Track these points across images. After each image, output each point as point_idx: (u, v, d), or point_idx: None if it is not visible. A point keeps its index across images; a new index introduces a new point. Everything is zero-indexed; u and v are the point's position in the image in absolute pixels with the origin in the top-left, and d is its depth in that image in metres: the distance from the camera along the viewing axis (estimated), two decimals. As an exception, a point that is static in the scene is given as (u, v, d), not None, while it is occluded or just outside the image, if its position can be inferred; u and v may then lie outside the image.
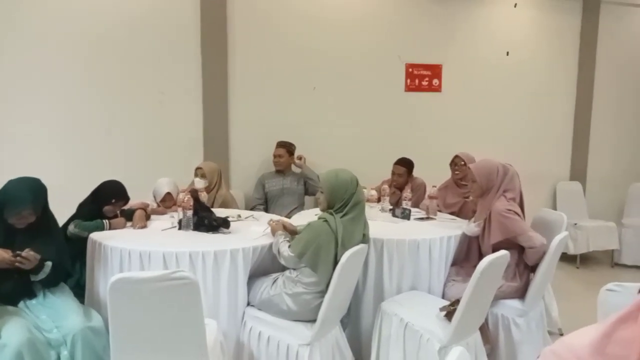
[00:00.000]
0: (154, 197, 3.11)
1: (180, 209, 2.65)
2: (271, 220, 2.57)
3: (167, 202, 3.02)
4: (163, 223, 2.73)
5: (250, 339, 2.29)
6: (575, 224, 4.54)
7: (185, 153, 3.87)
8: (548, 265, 2.57)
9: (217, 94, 3.89)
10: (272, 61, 4.03)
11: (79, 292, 2.39)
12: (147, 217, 2.76)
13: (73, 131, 3.63)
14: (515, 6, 4.60)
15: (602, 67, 4.99)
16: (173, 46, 3.78)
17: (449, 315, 2.22)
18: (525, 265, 2.64)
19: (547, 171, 4.98)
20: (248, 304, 2.38)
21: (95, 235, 2.42)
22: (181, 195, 2.69)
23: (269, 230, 2.49)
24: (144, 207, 2.80)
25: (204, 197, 2.84)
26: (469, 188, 2.94)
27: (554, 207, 4.79)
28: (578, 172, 5.12)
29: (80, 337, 1.93)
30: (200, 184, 3.26)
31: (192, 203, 2.62)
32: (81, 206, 2.62)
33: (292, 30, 4.06)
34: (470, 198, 3.14)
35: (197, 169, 3.36)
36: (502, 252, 2.18)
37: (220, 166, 3.55)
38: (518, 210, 2.62)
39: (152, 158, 3.79)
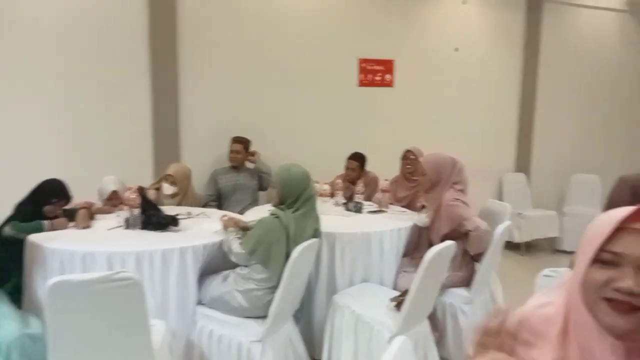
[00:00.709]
0: (100, 195, 2.99)
1: (127, 208, 2.57)
2: (223, 216, 2.54)
3: (114, 201, 2.92)
4: (109, 222, 2.63)
5: (201, 338, 2.26)
6: (520, 213, 4.76)
7: (133, 149, 3.75)
8: (492, 254, 2.68)
9: (167, 88, 3.79)
10: (225, 55, 3.96)
11: (18, 297, 2.27)
12: (92, 217, 2.66)
13: (11, 127, 3.43)
14: (463, 3, 4.73)
15: (546, 63, 5.22)
16: (119, 38, 3.64)
17: (399, 305, 2.27)
18: (470, 255, 2.73)
19: (494, 163, 5.18)
20: (199, 303, 2.34)
21: (33, 237, 2.29)
22: (127, 193, 2.60)
23: (220, 227, 2.45)
24: (88, 206, 2.69)
25: (152, 194, 2.76)
26: (420, 181, 3.01)
27: (501, 198, 4.99)
28: (522, 164, 5.36)
29: (16, 345, 1.83)
30: (169, 190, 3.19)
31: (139, 201, 2.54)
32: (19, 206, 2.48)
33: (245, 25, 4.00)
34: (421, 192, 3.22)
35: (167, 175, 3.29)
36: (449, 242, 2.25)
37: (171, 162, 3.47)
38: (465, 199, 2.71)
39: (97, 155, 3.64)
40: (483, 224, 2.62)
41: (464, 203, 2.67)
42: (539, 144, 5.38)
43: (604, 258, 0.80)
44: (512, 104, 5.23)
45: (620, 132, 5.74)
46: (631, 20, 5.53)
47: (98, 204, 2.92)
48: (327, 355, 2.48)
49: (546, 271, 1.89)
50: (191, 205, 3.28)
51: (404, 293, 2.29)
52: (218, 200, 3.73)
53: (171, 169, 3.33)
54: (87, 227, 2.52)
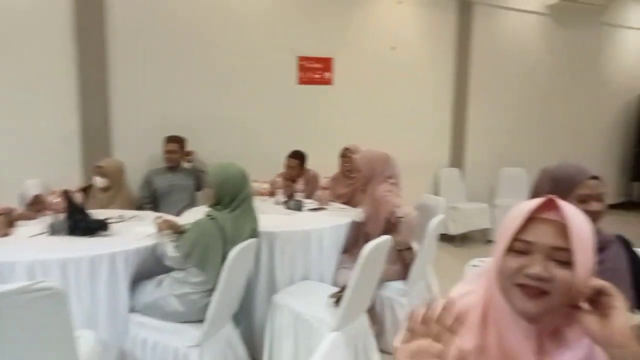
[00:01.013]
0: (21, 200, 2.80)
1: (51, 213, 2.41)
2: (158, 217, 2.44)
3: (37, 206, 2.73)
4: (31, 229, 2.46)
5: (135, 347, 2.17)
6: (454, 206, 4.97)
7: (59, 150, 3.52)
8: (427, 247, 2.77)
9: (95, 85, 3.59)
10: (158, 53, 3.82)
11: None
12: (12, 224, 2.47)
13: None
14: (399, 2, 4.85)
15: (477, 62, 5.47)
16: (42, 32, 3.40)
17: (338, 301, 2.29)
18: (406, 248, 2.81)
19: (429, 159, 5.36)
20: (131, 310, 2.24)
21: (-58, 248, 2.10)
22: (51, 197, 2.45)
23: (154, 230, 2.36)
24: (7, 212, 2.50)
25: (78, 197, 2.61)
26: (356, 178, 3.07)
27: (437, 192, 5.18)
28: (456, 159, 5.59)
29: None
30: (99, 182, 3.07)
31: (64, 205, 2.39)
32: None
33: (180, 22, 3.87)
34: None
35: (98, 167, 3.15)
36: (385, 237, 2.31)
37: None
38: (398, 192, 2.80)
39: (18, 157, 3.39)
40: (413, 212, 2.71)
41: (397, 194, 2.75)
42: (472, 140, 5.63)
43: (516, 247, 0.86)
44: (446, 102, 5.44)
45: (545, 128, 6.14)
46: (552, 23, 5.92)
47: (19, 209, 2.72)
48: (267, 356, 2.46)
49: (474, 261, 1.98)
50: (126, 203, 3.16)
51: (343, 289, 2.32)
52: (153, 202, 3.59)
53: (102, 162, 3.22)
54: (5, 234, 2.34)
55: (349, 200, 3.56)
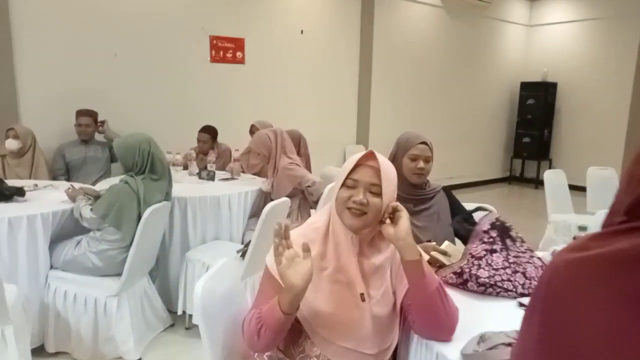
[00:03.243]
0: None
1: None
2: (68, 188, 2.60)
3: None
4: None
5: (56, 299, 2.38)
6: (358, 179, 5.52)
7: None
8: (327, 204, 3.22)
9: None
10: (69, 26, 3.84)
11: None
12: None
13: None
14: (307, -10, 5.20)
15: (379, 48, 5.99)
16: None
17: (244, 255, 2.66)
18: (305, 208, 3.24)
19: (337, 136, 5.85)
20: (52, 268, 2.44)
21: None
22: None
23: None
24: None
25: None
26: (259, 160, 3.40)
27: (343, 166, 5.69)
28: (362, 137, 6.14)
29: None
30: (12, 145, 3.13)
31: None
32: None
33: (89, -5, 3.91)
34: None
35: (9, 129, 3.23)
36: (284, 199, 2.70)
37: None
38: (298, 161, 3.21)
39: None
40: (317, 179, 3.15)
41: (298, 165, 3.17)
42: (376, 119, 6.19)
43: (348, 183, 1.27)
44: (352, 83, 5.93)
45: (440, 109, 6.88)
46: (445, 15, 6.61)
47: None
48: (182, 306, 2.79)
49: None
50: (41, 172, 3.27)
51: (248, 244, 2.69)
52: (67, 173, 3.68)
53: (14, 125, 3.31)
54: None
55: (261, 172, 3.91)
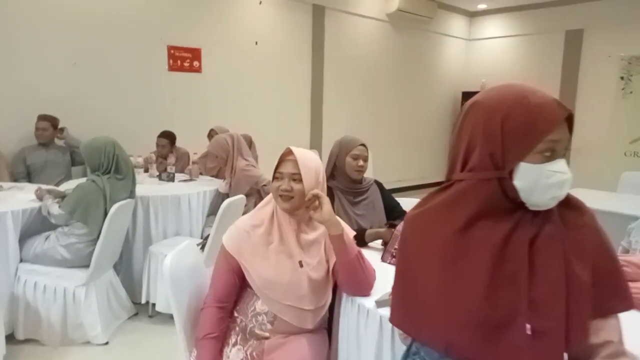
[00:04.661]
0: None
1: None
2: (37, 190, 2.79)
3: None
4: None
5: (26, 290, 2.56)
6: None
7: None
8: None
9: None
10: (30, 35, 3.96)
11: None
12: None
13: None
14: (260, 3, 5.51)
15: (329, 59, 6.38)
16: None
17: (203, 247, 2.93)
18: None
19: (292, 140, 6.08)
20: (22, 261, 2.62)
21: None
22: None
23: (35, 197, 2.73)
24: None
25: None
26: (216, 163, 3.67)
27: (297, 169, 6.01)
28: (315, 142, 6.50)
29: None
30: None
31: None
32: None
33: (51, 6, 4.04)
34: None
35: None
36: (239, 196, 3.00)
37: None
38: (254, 163, 3.51)
39: None
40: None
41: (254, 167, 3.47)
42: (328, 125, 6.57)
43: (276, 176, 1.59)
44: (304, 91, 6.29)
45: (386, 116, 7.34)
46: (391, 29, 7.10)
47: None
48: (145, 296, 3.01)
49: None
50: (3, 175, 3.39)
51: (207, 238, 2.97)
52: (28, 176, 3.80)
53: None
54: None
55: (217, 174, 4.17)
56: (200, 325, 1.55)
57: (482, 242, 0.88)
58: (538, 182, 0.85)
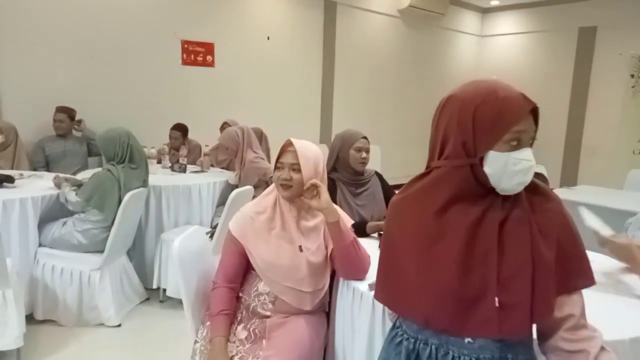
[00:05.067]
0: None
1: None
2: (55, 177, 2.93)
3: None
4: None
5: (44, 273, 2.71)
6: (320, 174, 5.95)
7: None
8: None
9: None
10: (49, 29, 4.10)
11: None
12: None
13: None
14: (272, -1, 5.61)
15: (341, 53, 6.45)
16: None
17: (212, 235, 3.05)
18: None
19: (302, 135, 6.15)
20: (40, 245, 2.76)
21: None
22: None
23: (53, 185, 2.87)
24: None
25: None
26: (226, 155, 3.78)
27: (307, 163, 6.11)
28: (325, 136, 6.58)
29: None
30: None
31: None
32: None
33: (72, 1, 4.18)
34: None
35: None
36: (247, 186, 3.11)
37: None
38: (263, 155, 3.62)
39: None
40: None
41: (262, 159, 3.57)
42: (338, 120, 6.65)
43: (277, 166, 1.69)
44: (315, 86, 6.37)
45: (396, 112, 7.40)
46: (402, 25, 7.14)
47: None
48: (157, 282, 3.14)
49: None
50: (24, 163, 3.56)
51: (215, 226, 3.08)
52: (46, 165, 3.96)
53: None
54: None
55: (229, 166, 4.29)
56: (214, 303, 1.64)
57: (456, 224, 0.96)
58: (506, 168, 0.93)
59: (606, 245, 1.70)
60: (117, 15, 4.49)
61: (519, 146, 0.95)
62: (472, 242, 0.94)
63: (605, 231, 1.73)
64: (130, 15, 4.57)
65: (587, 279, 0.97)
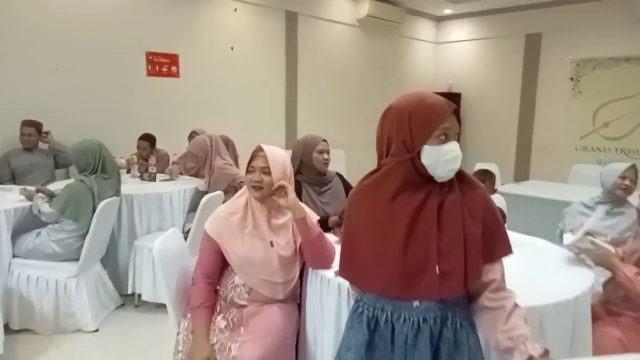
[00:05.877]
0: None
1: None
2: (23, 189, 2.97)
3: None
4: None
5: (19, 283, 2.75)
6: (287, 179, 6.12)
7: None
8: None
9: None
10: (13, 42, 4.11)
11: None
12: None
13: None
14: (235, 10, 5.76)
15: (303, 62, 6.65)
16: None
17: (186, 239, 3.16)
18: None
19: (267, 141, 6.29)
20: (14, 256, 2.81)
21: None
22: None
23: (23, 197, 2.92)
24: None
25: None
26: (195, 162, 3.90)
27: (274, 169, 6.26)
28: (291, 141, 6.73)
29: None
30: None
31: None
32: None
33: (33, 13, 4.19)
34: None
35: None
36: (218, 192, 3.25)
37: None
38: (231, 161, 3.76)
39: None
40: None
41: (231, 165, 3.72)
42: (302, 126, 6.83)
43: (249, 169, 1.86)
44: (279, 94, 6.54)
45: (358, 118, 7.66)
46: (361, 34, 7.43)
47: None
48: (132, 288, 3.23)
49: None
50: None
51: (188, 231, 3.20)
52: (13, 180, 3.95)
53: None
54: None
55: (196, 174, 4.39)
56: (194, 297, 1.79)
57: (403, 209, 1.17)
58: (439, 159, 1.16)
59: (589, 255, 1.89)
60: (81, 27, 4.54)
61: (446, 140, 1.18)
62: (415, 224, 1.16)
63: (584, 243, 1.90)
64: (94, 27, 4.62)
65: (506, 249, 1.20)
